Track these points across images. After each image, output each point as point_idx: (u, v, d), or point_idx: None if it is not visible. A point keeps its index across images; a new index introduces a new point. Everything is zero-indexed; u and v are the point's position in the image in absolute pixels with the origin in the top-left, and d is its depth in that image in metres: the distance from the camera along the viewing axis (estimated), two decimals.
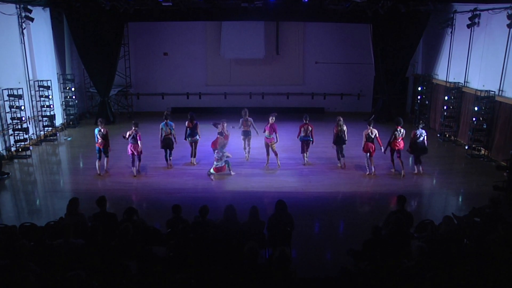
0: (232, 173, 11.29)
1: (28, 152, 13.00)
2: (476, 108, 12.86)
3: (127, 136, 10.96)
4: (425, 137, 11.12)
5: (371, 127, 10.99)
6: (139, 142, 10.92)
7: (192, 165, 12.01)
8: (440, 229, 6.13)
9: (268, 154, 11.84)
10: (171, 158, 11.86)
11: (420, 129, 11.14)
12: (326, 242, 7.98)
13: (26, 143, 13.10)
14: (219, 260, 5.26)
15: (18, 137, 12.92)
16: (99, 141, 10.99)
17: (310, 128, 11.77)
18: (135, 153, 11.06)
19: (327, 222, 8.77)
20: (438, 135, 15.35)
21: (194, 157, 12.12)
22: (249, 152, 12.60)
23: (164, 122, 11.48)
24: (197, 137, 11.90)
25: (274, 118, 11.57)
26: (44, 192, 10.52)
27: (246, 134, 12.21)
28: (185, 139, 11.97)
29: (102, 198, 6.92)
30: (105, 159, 11.35)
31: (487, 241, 5.61)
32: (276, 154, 11.81)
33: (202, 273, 4.86)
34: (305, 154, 12.12)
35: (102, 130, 11.03)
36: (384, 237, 6.07)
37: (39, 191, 10.60)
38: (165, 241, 6.36)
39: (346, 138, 11.65)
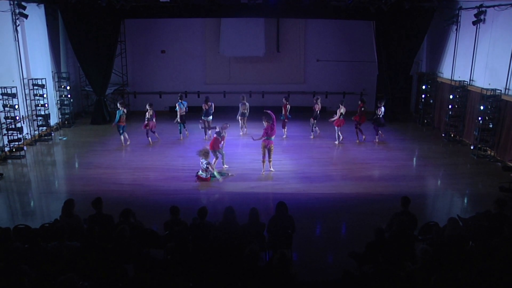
0: (230, 174, 11.33)
1: (22, 152, 12.99)
2: (482, 107, 12.85)
3: (146, 122, 13.86)
4: (383, 113, 14.44)
5: (343, 106, 14.17)
6: (154, 119, 13.96)
7: (205, 141, 14.07)
8: (445, 232, 6.13)
9: (264, 161, 11.30)
10: (187, 131, 15.07)
11: (382, 107, 14.34)
12: (327, 245, 7.97)
13: (20, 143, 13.09)
14: (218, 263, 5.26)
15: (12, 137, 12.92)
16: (122, 119, 13.53)
17: (288, 107, 14.78)
18: (148, 128, 13.95)
19: (329, 224, 8.77)
20: (443, 134, 15.34)
21: (206, 134, 14.72)
22: (246, 129, 15.37)
23: (180, 102, 14.42)
24: (211, 117, 14.45)
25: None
26: (39, 193, 10.53)
27: (243, 115, 15.18)
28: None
29: (98, 199, 6.92)
30: (125, 133, 13.97)
31: (493, 243, 5.60)
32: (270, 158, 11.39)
33: (200, 277, 4.86)
34: (284, 130, 15.07)
35: (124, 110, 13.60)
36: (387, 239, 6.08)
37: (33, 192, 10.59)
38: (163, 244, 6.36)
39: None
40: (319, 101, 14.99)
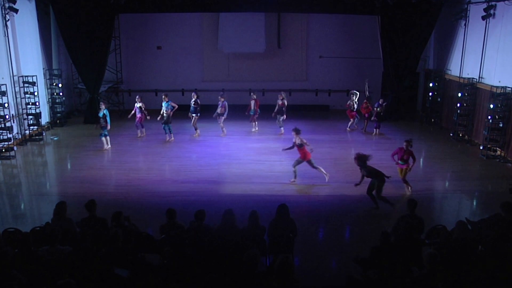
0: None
1: (12, 153, 12.98)
2: (491, 106, 12.86)
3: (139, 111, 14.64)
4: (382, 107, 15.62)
5: (354, 98, 16.02)
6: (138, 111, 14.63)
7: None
8: (453, 235, 6.13)
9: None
10: (172, 133, 14.73)
11: (379, 102, 15.50)
12: (331, 249, 7.97)
13: (10, 143, 13.09)
14: (216, 268, 5.26)
15: (1, 136, 12.91)
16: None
17: (256, 103, 15.50)
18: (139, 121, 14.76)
19: (332, 228, 8.77)
20: (451, 134, 15.35)
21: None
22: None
23: (165, 102, 14.42)
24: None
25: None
26: (29, 196, 10.51)
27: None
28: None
29: (92, 201, 6.92)
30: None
31: (503, 248, 5.60)
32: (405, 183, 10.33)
33: (198, 282, 4.86)
34: (254, 123, 15.76)
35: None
36: (393, 243, 6.08)
37: (24, 194, 10.59)
38: (159, 248, 6.36)
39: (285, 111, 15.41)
40: (283, 95, 15.47)
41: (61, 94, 16.77)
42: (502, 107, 12.74)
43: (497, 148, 13.15)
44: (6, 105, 12.97)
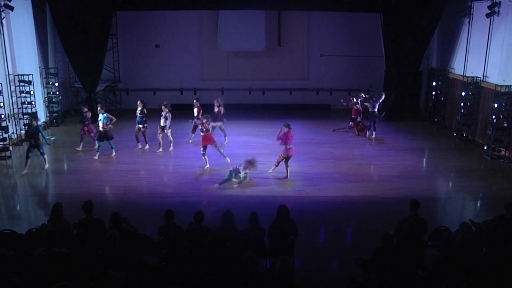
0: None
1: (8, 153, 12.98)
2: (496, 105, 12.86)
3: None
4: (377, 106, 15.00)
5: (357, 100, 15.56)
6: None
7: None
8: (456, 237, 6.14)
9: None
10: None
11: (373, 102, 14.93)
12: (332, 251, 7.99)
13: (5, 143, 13.09)
14: (215, 270, 5.26)
15: None
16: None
17: (199, 111, 14.13)
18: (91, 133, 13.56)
19: (333, 229, 8.77)
20: (455, 134, 15.35)
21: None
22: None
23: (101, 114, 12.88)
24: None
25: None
26: (25, 196, 10.52)
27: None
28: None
29: (89, 203, 6.92)
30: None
31: (508, 250, 5.60)
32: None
33: (196, 284, 4.86)
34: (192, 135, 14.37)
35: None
36: (395, 245, 6.08)
37: (19, 195, 10.59)
38: (157, 250, 6.36)
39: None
40: (218, 103, 14.05)
41: (57, 93, 16.77)
42: (507, 106, 12.73)
43: (502, 148, 13.15)
44: (1, 104, 12.97)
